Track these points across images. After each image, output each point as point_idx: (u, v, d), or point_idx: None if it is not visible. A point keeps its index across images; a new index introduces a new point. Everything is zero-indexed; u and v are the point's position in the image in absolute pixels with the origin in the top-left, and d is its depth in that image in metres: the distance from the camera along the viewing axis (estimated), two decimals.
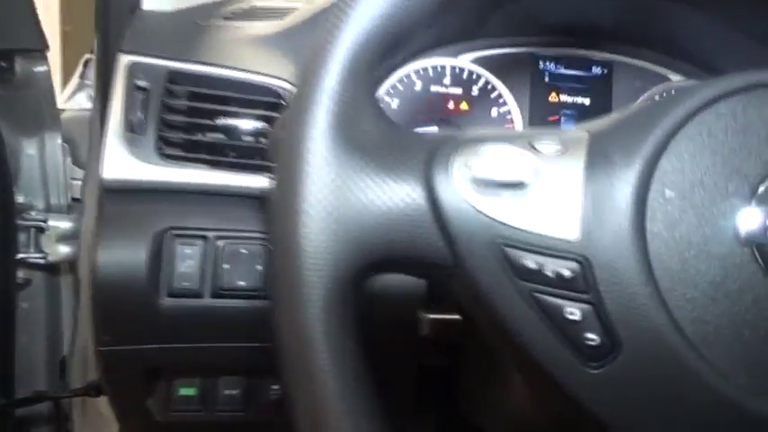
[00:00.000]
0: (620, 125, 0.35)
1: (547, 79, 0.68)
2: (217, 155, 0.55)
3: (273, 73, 0.57)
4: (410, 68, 0.67)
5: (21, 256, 0.81)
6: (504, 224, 0.32)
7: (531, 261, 0.32)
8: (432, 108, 0.66)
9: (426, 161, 0.34)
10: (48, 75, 0.77)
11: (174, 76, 0.57)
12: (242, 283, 0.53)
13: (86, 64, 1.02)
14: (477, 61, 0.67)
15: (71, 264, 0.82)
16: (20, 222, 0.82)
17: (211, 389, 0.57)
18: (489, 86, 0.67)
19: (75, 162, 0.84)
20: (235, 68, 0.57)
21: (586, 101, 0.68)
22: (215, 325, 0.53)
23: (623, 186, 0.32)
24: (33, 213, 0.83)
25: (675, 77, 0.68)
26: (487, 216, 0.32)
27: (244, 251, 0.53)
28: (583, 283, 0.32)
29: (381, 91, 0.66)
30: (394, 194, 0.33)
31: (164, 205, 0.54)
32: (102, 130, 0.55)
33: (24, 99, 0.77)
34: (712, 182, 0.32)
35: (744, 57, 0.62)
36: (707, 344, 0.31)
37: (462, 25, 0.66)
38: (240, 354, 0.54)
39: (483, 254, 0.32)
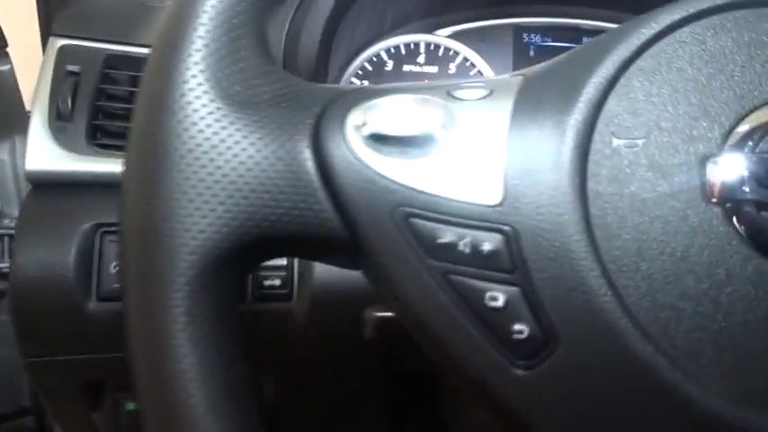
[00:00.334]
0: (561, 64, 0.28)
1: (532, 53, 0.61)
2: None
3: None
4: (380, 47, 0.61)
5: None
6: (409, 188, 0.26)
7: (442, 233, 0.25)
8: None
9: (319, 116, 0.27)
10: (11, 73, 0.73)
11: (113, 60, 0.52)
12: None
13: None
14: (455, 36, 0.61)
15: None
16: None
17: None
18: (468, 63, 0.60)
19: None
20: None
21: None
22: None
23: (558, 135, 0.25)
24: (6, 221, 0.80)
25: None
26: (387, 178, 0.26)
27: None
28: (507, 260, 0.25)
29: (349, 72, 0.60)
30: (276, 158, 0.27)
31: (94, 199, 0.49)
32: None
33: None
34: (672, 125, 0.25)
35: None
36: (666, 334, 0.24)
37: None
38: None
39: (384, 226, 0.26)
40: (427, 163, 0.26)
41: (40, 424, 0.86)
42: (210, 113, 0.27)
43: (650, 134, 0.25)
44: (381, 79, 0.60)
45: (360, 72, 0.60)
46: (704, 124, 0.25)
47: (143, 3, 0.59)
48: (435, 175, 0.26)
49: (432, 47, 0.61)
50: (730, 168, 0.24)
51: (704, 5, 0.27)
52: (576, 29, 0.60)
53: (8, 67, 0.74)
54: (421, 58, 0.61)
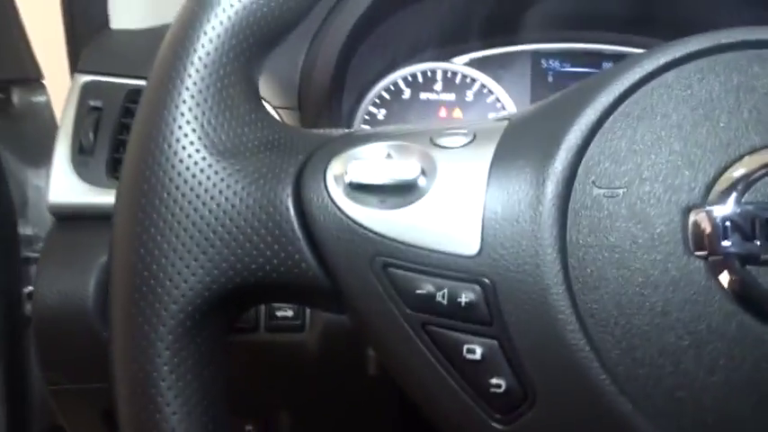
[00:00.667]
0: (545, 109, 0.28)
1: (550, 79, 0.60)
2: None
3: None
4: (397, 75, 0.61)
5: (28, 289, 0.80)
6: (388, 238, 0.26)
7: (420, 284, 0.25)
8: (421, 117, 0.60)
9: (302, 164, 0.28)
10: (47, 104, 0.76)
11: (135, 95, 0.54)
12: None
13: None
14: (472, 63, 0.61)
15: None
16: (28, 255, 0.81)
17: None
18: (485, 90, 0.60)
19: None
20: None
21: None
22: None
23: (538, 184, 0.25)
24: (41, 245, 0.82)
25: None
26: (366, 228, 0.26)
27: None
28: (485, 313, 0.25)
29: (366, 101, 0.60)
30: (258, 207, 0.27)
31: None
32: None
33: (25, 130, 0.76)
34: (654, 173, 0.24)
35: None
36: (645, 391, 0.23)
37: (452, 23, 0.59)
38: None
39: (363, 276, 0.26)
40: (406, 213, 0.26)
41: None
42: (196, 163, 0.27)
43: (632, 183, 0.25)
44: (399, 108, 0.60)
45: (377, 101, 0.60)
46: (687, 173, 0.24)
47: (163, 40, 0.61)
48: (414, 225, 0.26)
49: (449, 74, 0.60)
50: (713, 220, 0.23)
51: (691, 49, 0.26)
52: (595, 54, 0.59)
53: (44, 98, 0.76)
54: (438, 86, 0.60)
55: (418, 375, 0.26)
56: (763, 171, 0.24)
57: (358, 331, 0.28)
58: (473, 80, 0.60)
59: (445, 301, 0.25)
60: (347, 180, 0.27)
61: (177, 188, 0.27)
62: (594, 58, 0.60)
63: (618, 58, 0.59)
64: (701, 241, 0.24)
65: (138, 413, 0.26)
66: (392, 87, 0.61)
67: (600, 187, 0.25)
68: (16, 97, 0.75)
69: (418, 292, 0.25)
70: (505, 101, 0.59)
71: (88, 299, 0.48)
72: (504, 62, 0.61)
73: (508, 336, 0.24)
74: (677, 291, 0.23)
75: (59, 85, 0.76)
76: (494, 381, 0.24)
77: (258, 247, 0.27)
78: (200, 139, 0.27)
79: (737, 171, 0.24)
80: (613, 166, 0.25)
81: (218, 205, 0.27)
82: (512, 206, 0.25)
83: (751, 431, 0.22)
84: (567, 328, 0.24)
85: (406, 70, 0.61)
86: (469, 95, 0.60)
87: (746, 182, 0.24)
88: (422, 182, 0.26)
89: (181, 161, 0.27)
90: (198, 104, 0.28)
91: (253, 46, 0.29)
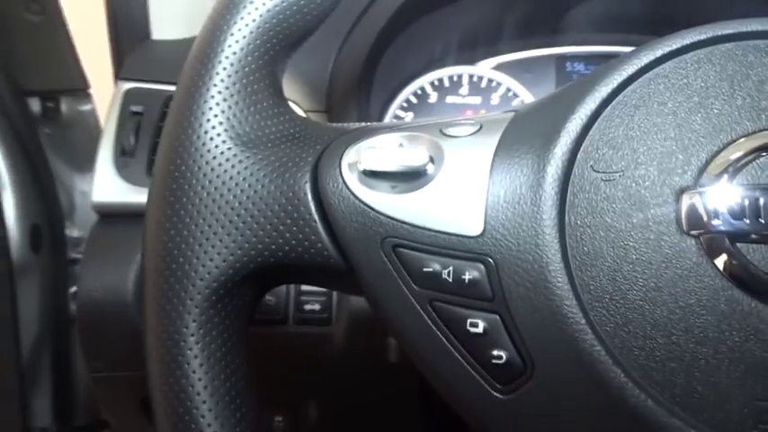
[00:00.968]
0: (548, 101, 0.29)
1: None
2: None
3: None
4: (425, 80, 0.63)
5: (73, 289, 0.84)
6: (397, 220, 0.28)
7: (427, 263, 0.27)
8: None
9: (320, 154, 0.30)
10: (93, 113, 0.80)
11: None
12: None
13: None
14: (498, 67, 0.62)
15: None
16: (75, 256, 0.85)
17: None
18: (510, 94, 0.61)
19: None
20: None
21: None
22: None
23: (539, 168, 0.26)
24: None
25: None
26: (377, 212, 0.28)
27: None
28: (487, 289, 0.26)
29: (394, 105, 0.62)
30: (279, 192, 0.29)
31: None
32: None
33: (73, 138, 0.81)
34: (649, 158, 0.26)
35: None
36: (639, 362, 0.24)
37: (479, 28, 0.61)
38: None
39: (375, 256, 0.28)
40: (415, 197, 0.28)
41: None
42: (222, 154, 0.29)
43: (628, 167, 0.26)
44: (426, 111, 0.62)
45: (404, 105, 0.62)
46: (681, 157, 0.25)
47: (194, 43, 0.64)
48: (422, 209, 0.27)
49: (474, 78, 0.62)
50: (705, 201, 0.25)
51: (688, 40, 0.27)
52: (618, 56, 0.60)
53: (90, 107, 0.80)
54: (464, 90, 0.62)
55: (425, 348, 0.27)
56: (754, 155, 0.25)
57: (372, 310, 0.30)
58: (498, 84, 0.62)
59: (450, 279, 0.27)
60: (361, 167, 0.29)
61: (205, 175, 0.29)
62: None
63: None
64: (693, 221, 0.25)
65: (166, 378, 0.28)
66: (419, 91, 0.63)
67: (598, 171, 0.26)
68: (64, 107, 0.79)
69: (425, 270, 0.27)
70: None
71: (128, 291, 0.51)
72: (530, 66, 0.62)
73: (509, 310, 0.26)
74: (670, 268, 0.25)
75: (104, 93, 0.80)
76: (495, 353, 0.26)
77: (278, 230, 0.29)
78: (226, 131, 0.30)
79: (729, 155, 0.25)
80: (611, 152, 0.26)
81: (242, 191, 0.29)
82: (513, 189, 0.27)
83: (738, 399, 0.23)
84: (565, 303, 0.25)
85: (433, 75, 0.62)
86: (495, 99, 0.62)
87: (737, 165, 0.25)
88: (430, 169, 0.28)
89: (209, 151, 0.29)
90: (225, 100, 0.30)
91: (276, 46, 0.31)
